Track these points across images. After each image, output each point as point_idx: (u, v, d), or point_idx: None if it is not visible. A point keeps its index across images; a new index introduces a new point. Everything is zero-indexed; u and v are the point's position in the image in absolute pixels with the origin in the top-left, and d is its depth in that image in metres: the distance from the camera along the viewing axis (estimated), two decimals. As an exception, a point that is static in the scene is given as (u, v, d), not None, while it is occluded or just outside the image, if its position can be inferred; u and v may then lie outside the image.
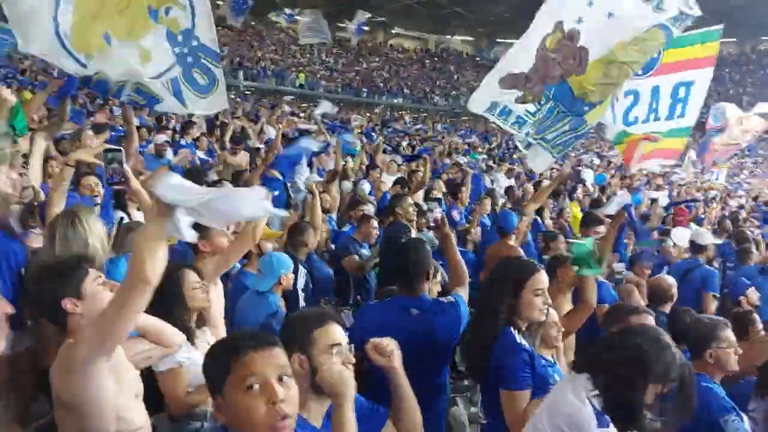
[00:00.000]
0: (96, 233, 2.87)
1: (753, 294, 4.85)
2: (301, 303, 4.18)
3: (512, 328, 2.52)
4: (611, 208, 4.62)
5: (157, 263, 1.77)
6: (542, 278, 2.61)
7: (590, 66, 4.81)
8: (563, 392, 1.97)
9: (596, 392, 1.91)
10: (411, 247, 3.01)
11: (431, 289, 3.39)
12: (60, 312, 2.03)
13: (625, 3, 4.67)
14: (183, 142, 9.50)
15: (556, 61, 4.86)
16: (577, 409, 1.89)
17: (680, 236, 5.99)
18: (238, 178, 6.55)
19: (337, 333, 1.92)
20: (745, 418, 2.79)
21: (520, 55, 4.92)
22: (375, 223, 5.37)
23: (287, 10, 15.02)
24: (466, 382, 4.44)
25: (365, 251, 5.21)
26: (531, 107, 5.06)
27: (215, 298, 3.37)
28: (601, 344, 2.11)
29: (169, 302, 2.57)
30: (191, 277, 2.78)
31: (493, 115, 5.05)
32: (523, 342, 2.48)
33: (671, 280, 4.52)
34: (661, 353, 1.94)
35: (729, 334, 2.97)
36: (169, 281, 2.53)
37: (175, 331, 2.52)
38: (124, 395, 1.97)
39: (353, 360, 1.93)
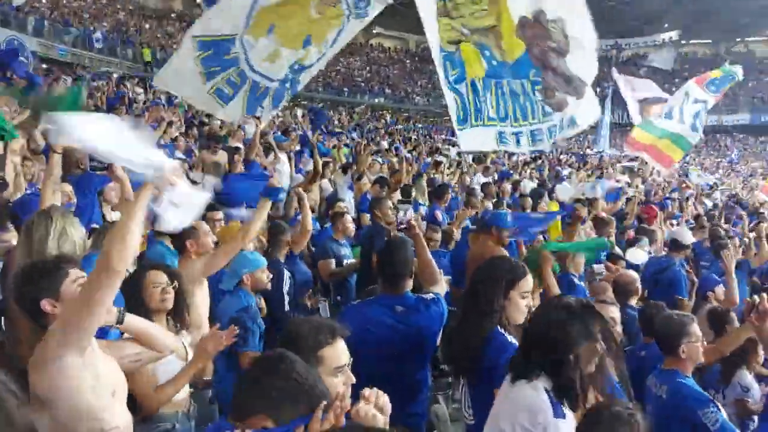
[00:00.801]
0: (70, 235, 2.83)
1: (720, 290, 4.99)
2: (286, 307, 4.18)
3: (500, 328, 2.52)
4: (588, 192, 4.68)
5: (124, 252, 1.80)
6: (530, 281, 2.65)
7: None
8: (520, 389, 2.01)
9: (548, 382, 1.97)
10: (394, 246, 3.02)
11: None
12: (40, 313, 2.01)
13: None
14: (162, 141, 9.41)
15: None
16: (535, 397, 1.95)
17: (634, 256, 6.08)
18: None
19: (343, 352, 1.91)
20: (721, 407, 2.86)
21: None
22: (349, 217, 5.44)
23: None
24: (448, 380, 4.47)
25: (346, 250, 5.22)
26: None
27: (201, 299, 3.38)
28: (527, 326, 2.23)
29: (128, 302, 2.54)
30: (153, 277, 2.73)
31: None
32: (514, 342, 2.49)
33: (634, 275, 4.60)
34: (573, 315, 2.02)
35: (696, 328, 3.07)
36: (130, 280, 2.52)
37: (170, 336, 2.50)
38: (99, 393, 1.94)
39: (353, 380, 1.91)
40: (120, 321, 2.20)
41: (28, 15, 25.44)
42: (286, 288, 4.21)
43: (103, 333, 2.32)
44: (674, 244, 6.01)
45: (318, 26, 5.27)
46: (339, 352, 1.89)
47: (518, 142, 5.43)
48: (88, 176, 4.86)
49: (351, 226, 5.37)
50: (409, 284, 2.95)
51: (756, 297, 2.94)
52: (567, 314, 2.02)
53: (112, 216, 4.59)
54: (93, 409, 1.91)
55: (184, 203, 2.06)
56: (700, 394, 2.89)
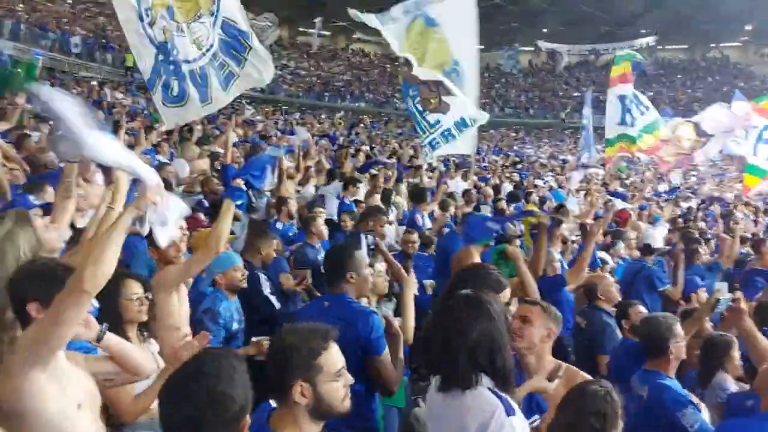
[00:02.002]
0: (15, 241, 2.75)
1: (702, 294, 5.08)
2: (277, 305, 4.21)
3: None
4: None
5: (98, 275, 1.81)
6: (508, 293, 2.76)
7: None
8: (461, 398, 1.96)
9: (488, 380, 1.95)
10: (338, 246, 3.26)
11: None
12: (26, 315, 1.97)
13: None
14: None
15: None
16: (482, 402, 1.91)
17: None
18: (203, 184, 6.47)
19: (338, 355, 1.89)
20: (703, 407, 2.89)
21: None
22: (321, 220, 5.47)
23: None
24: (426, 384, 4.46)
25: (321, 254, 5.19)
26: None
27: (179, 303, 3.38)
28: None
29: (102, 311, 2.48)
30: (129, 288, 2.72)
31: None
32: None
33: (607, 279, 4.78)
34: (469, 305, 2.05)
35: (680, 328, 3.16)
36: (107, 290, 2.48)
37: (149, 360, 2.46)
38: (63, 405, 1.90)
39: (352, 380, 1.90)
40: (99, 339, 2.14)
41: (3, 18, 25.05)
42: (267, 290, 4.20)
43: (86, 350, 2.29)
44: (646, 248, 6.12)
45: None
46: (334, 356, 1.86)
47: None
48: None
49: (323, 229, 5.35)
50: (347, 286, 3.00)
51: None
52: (467, 307, 2.04)
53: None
54: (56, 422, 1.88)
55: (167, 219, 2.16)
56: (679, 395, 2.91)
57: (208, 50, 5.32)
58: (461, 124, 6.15)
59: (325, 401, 1.80)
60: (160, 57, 5.05)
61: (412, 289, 3.29)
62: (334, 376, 1.83)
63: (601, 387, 2.09)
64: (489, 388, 1.94)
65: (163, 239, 2.23)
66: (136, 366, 2.33)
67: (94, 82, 18.29)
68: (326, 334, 1.88)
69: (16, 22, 25.72)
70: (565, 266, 5.24)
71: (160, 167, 5.61)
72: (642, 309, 4.11)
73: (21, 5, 27.61)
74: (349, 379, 1.89)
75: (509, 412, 1.90)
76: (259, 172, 6.43)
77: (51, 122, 2.07)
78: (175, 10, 5.09)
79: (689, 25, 46.36)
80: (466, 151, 6.12)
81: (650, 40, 39.85)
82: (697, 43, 51.37)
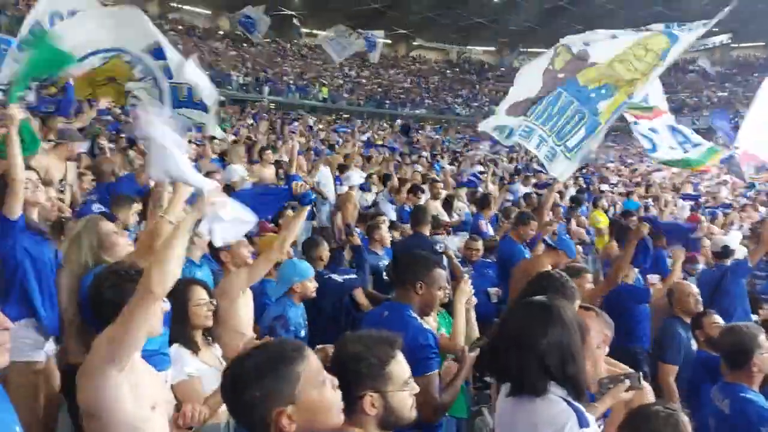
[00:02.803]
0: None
1: None
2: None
3: None
4: None
5: (164, 276, 1.86)
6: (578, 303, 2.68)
7: (592, 68, 5.05)
8: (533, 405, 1.89)
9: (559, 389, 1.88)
10: (413, 252, 3.24)
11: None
12: (104, 317, 2.04)
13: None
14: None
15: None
16: (556, 411, 1.85)
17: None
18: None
19: (405, 362, 1.86)
20: None
21: (527, 81, 5.14)
22: (385, 228, 5.57)
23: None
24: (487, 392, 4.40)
25: (384, 261, 5.22)
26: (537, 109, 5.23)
27: (245, 307, 3.48)
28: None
29: (174, 316, 2.63)
30: (197, 294, 2.83)
31: (500, 135, 5.23)
32: None
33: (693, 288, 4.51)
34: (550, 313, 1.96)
35: (765, 339, 2.95)
36: (175, 295, 2.57)
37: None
38: (139, 406, 1.96)
39: (417, 389, 1.87)
40: None
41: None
42: (328, 300, 4.25)
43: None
44: (724, 251, 5.78)
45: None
46: (402, 364, 1.83)
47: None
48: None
49: (387, 236, 5.38)
50: (412, 295, 2.89)
51: None
52: (539, 313, 1.97)
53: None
54: (131, 422, 1.93)
55: (231, 219, 2.23)
56: (765, 410, 2.74)
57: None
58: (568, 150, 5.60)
59: (394, 411, 1.77)
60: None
61: (465, 294, 3.21)
62: (403, 386, 1.80)
63: (666, 410, 1.97)
64: (562, 398, 1.88)
65: (218, 238, 2.27)
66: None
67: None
68: (393, 342, 1.84)
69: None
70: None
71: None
72: (718, 319, 3.90)
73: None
74: (415, 387, 1.85)
75: (582, 423, 1.83)
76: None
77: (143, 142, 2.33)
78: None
79: (765, 22, 43.96)
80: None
81: (724, 38, 38.03)
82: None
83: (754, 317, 4.94)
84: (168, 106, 4.69)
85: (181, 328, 2.77)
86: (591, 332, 2.44)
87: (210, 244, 3.64)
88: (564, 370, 1.89)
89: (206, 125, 5.11)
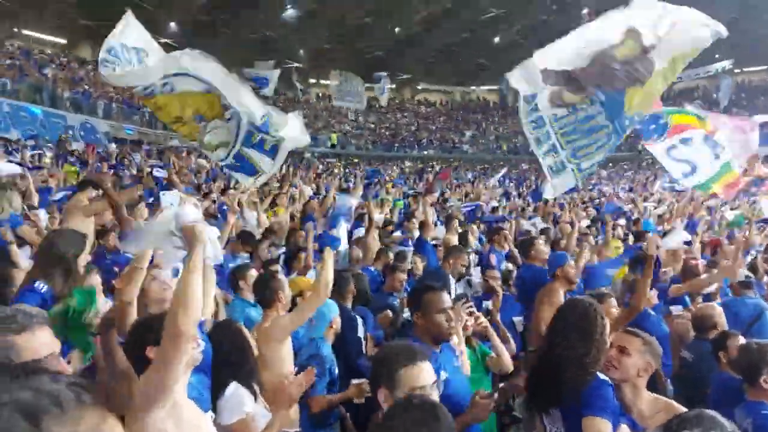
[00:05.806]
0: None
1: None
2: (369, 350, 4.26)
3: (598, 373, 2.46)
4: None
5: (187, 312, 1.89)
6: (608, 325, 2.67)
7: (649, 81, 4.79)
8: None
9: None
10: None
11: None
12: (146, 360, 2.09)
13: (684, 11, 4.67)
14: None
15: (623, 71, 4.75)
16: None
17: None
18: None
19: (423, 375, 1.97)
20: None
21: (580, 44, 4.82)
22: (402, 276, 5.45)
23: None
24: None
25: (395, 302, 5.24)
26: (559, 111, 5.05)
27: (287, 353, 3.50)
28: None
29: (235, 360, 2.83)
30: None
31: (527, 120, 5.19)
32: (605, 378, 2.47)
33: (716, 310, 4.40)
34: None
35: None
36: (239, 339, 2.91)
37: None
38: None
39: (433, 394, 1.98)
40: None
41: (98, 99, 27.47)
42: (361, 333, 4.29)
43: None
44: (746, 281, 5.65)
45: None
46: (416, 374, 1.96)
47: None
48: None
49: (400, 285, 5.40)
50: (416, 327, 2.86)
51: None
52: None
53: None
54: None
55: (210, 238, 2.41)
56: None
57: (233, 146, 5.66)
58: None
59: None
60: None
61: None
62: (412, 391, 1.89)
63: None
64: None
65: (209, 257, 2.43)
66: None
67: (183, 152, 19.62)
68: (415, 353, 2.04)
69: (109, 101, 28.08)
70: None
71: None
72: (742, 340, 3.82)
73: (113, 88, 30.09)
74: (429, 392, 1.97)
75: None
76: (335, 222, 6.74)
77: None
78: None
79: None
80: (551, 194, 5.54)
81: (726, 63, 38.23)
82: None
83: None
84: (239, 143, 5.32)
85: (243, 371, 2.85)
86: (631, 357, 2.50)
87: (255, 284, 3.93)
88: None
89: (262, 171, 5.59)
